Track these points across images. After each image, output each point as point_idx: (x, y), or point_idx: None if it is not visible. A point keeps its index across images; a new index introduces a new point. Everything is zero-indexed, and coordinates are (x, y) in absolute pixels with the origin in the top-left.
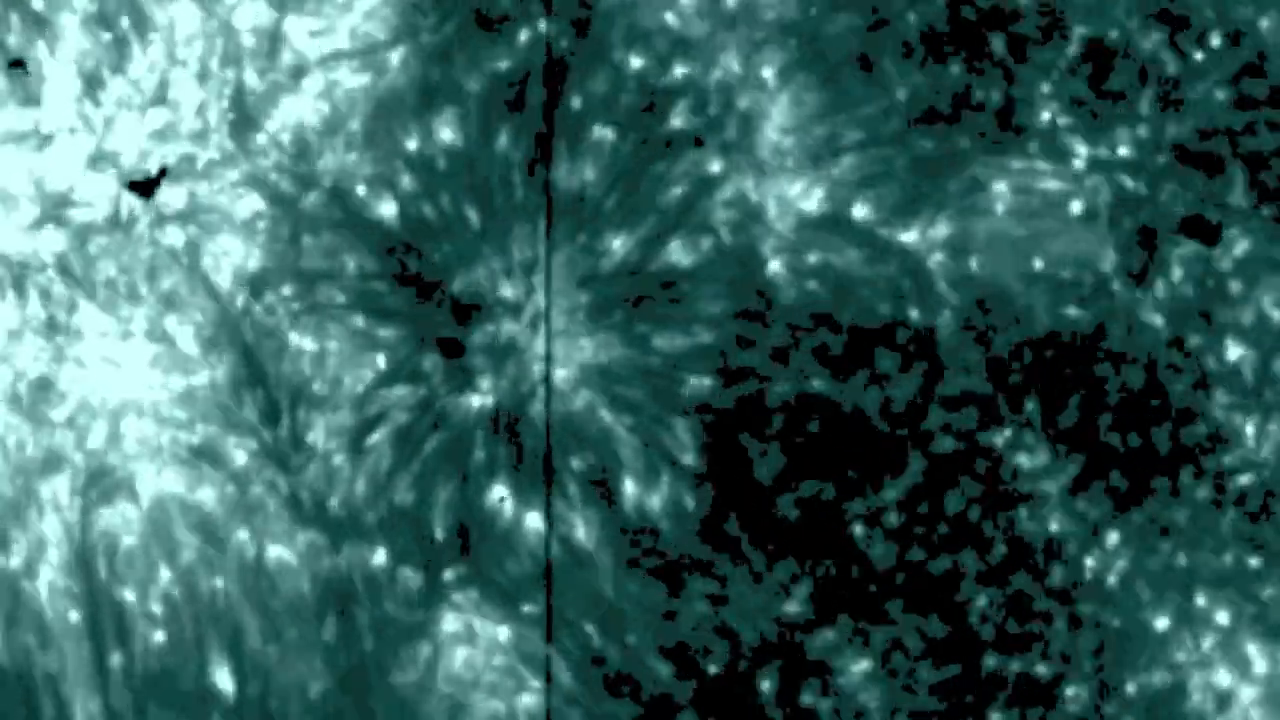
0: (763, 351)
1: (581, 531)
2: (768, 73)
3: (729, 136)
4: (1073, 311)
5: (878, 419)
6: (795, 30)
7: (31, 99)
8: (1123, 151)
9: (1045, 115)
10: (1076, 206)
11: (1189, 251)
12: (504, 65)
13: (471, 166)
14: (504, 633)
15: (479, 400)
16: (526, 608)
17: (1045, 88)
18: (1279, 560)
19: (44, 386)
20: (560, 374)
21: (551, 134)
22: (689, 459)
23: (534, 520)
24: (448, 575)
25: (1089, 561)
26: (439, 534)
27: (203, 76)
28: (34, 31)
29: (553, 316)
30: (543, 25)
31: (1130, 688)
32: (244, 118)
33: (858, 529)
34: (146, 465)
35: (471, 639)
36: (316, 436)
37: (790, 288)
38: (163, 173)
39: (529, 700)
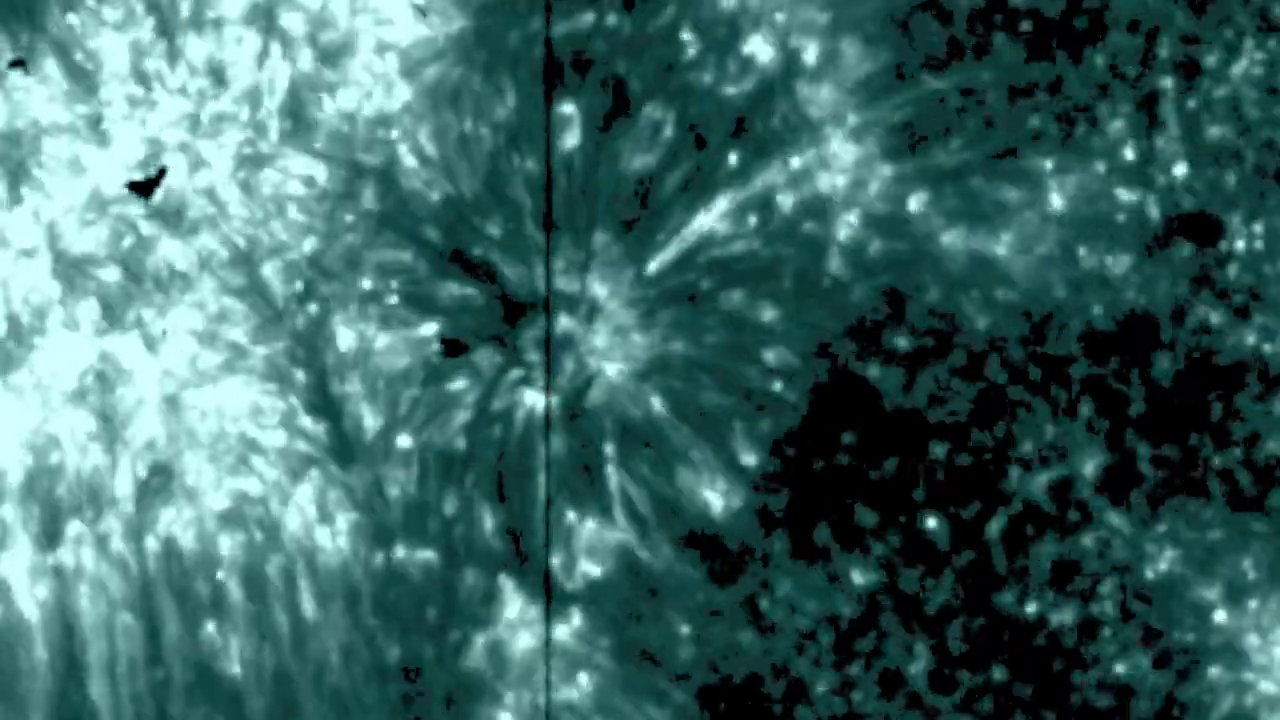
0: (826, 345)
1: (633, 531)
2: (830, 54)
3: (791, 124)
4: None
5: (943, 416)
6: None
7: (87, 88)
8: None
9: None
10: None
11: None
12: (557, 46)
13: (523, 157)
14: (546, 633)
15: (532, 396)
16: (572, 607)
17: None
18: None
19: (97, 378)
20: (614, 369)
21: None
22: (748, 456)
23: (590, 520)
24: (497, 572)
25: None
26: (488, 532)
27: (256, 64)
28: (88, 21)
29: (607, 310)
30: (593, 13)
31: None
32: (296, 106)
33: (925, 525)
34: (201, 458)
35: (514, 638)
36: (367, 430)
37: (855, 280)
38: (162, 173)
39: (570, 697)
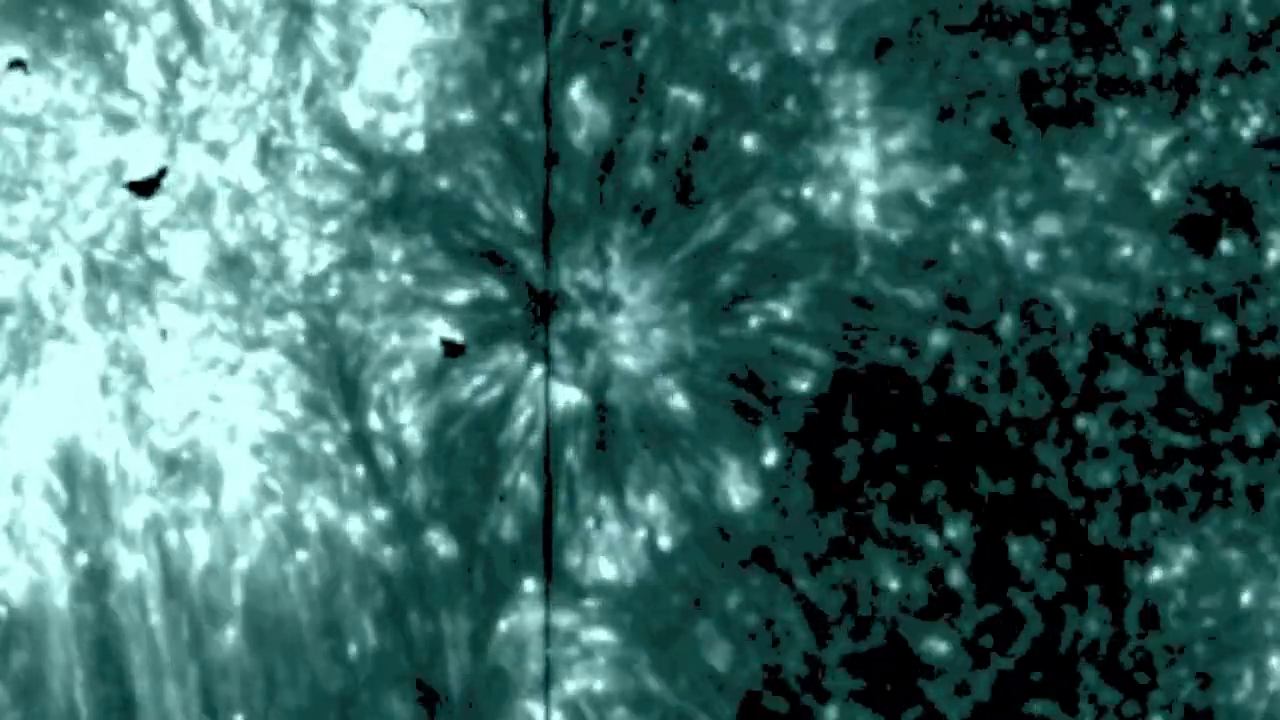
0: (851, 336)
1: (652, 525)
2: (852, 44)
3: (817, 112)
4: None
5: (973, 409)
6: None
7: (112, 80)
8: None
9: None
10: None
11: None
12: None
13: (547, 151)
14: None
15: (556, 390)
16: (589, 601)
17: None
18: None
19: (117, 370)
20: (635, 362)
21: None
22: (771, 451)
23: (607, 517)
24: (510, 569)
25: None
26: (507, 527)
27: (279, 59)
28: (115, 13)
29: (629, 303)
30: None
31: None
32: (319, 101)
33: (948, 518)
34: (223, 450)
35: (532, 631)
36: (389, 425)
37: (882, 272)
38: (162, 173)
39: (585, 694)
